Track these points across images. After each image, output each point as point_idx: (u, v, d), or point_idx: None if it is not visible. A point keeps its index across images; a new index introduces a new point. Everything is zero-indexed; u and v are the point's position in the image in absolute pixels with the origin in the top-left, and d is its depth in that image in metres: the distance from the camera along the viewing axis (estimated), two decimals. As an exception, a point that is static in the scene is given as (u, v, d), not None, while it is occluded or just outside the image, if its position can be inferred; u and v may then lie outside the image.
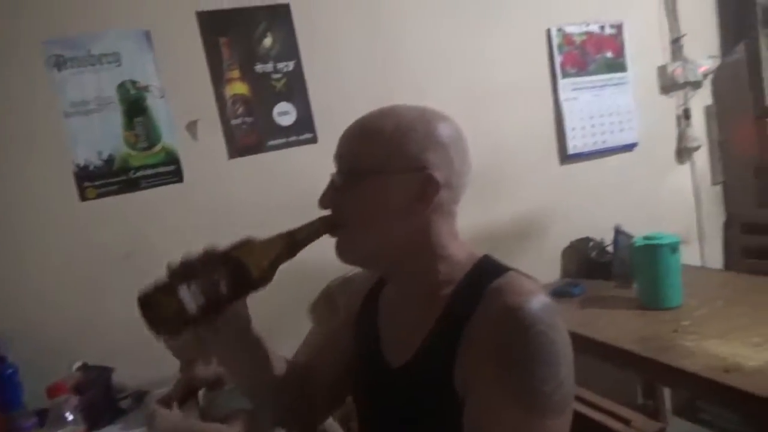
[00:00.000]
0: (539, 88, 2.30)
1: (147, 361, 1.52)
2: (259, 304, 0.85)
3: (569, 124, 2.31)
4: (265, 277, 0.75)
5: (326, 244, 0.80)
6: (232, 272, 0.73)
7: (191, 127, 1.78)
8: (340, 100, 1.92)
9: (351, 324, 0.98)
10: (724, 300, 1.79)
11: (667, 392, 2.47)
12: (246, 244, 0.75)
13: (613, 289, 2.08)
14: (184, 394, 1.43)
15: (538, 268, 2.28)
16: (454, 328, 0.74)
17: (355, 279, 1.28)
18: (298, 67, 1.89)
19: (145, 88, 1.73)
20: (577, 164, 2.37)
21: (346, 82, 1.95)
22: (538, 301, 0.69)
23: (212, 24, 1.78)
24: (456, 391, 0.72)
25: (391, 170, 0.78)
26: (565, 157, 2.34)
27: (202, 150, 1.79)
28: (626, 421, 0.73)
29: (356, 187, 0.79)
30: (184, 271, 0.72)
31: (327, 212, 0.81)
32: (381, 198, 0.78)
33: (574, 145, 2.33)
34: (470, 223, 2.09)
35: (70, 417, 1.33)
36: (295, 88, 1.89)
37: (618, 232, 2.23)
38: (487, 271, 0.77)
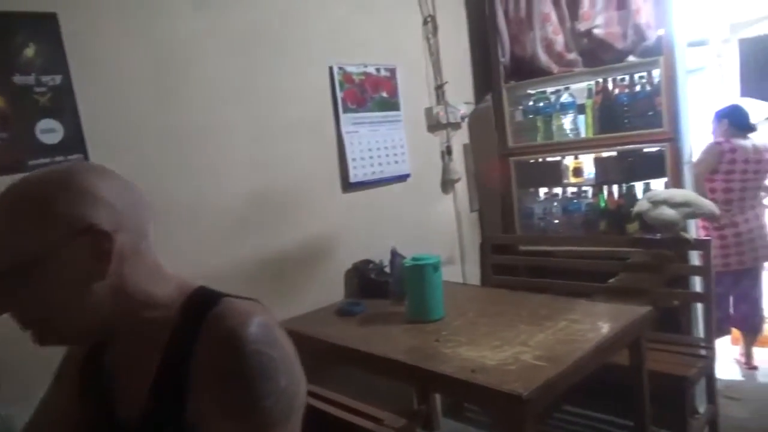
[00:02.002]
0: (324, 122, 2.44)
1: None
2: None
3: (350, 155, 2.49)
4: None
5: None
6: None
7: (-75, 141, 1.52)
8: (116, 119, 1.80)
9: (74, 383, 0.88)
10: (475, 311, 2.09)
11: (439, 397, 2.77)
12: None
13: (390, 306, 2.25)
14: None
15: (324, 289, 2.41)
16: (180, 367, 0.73)
17: None
18: (67, 81, 1.73)
19: None
20: (358, 192, 2.56)
21: (123, 103, 1.83)
22: (254, 322, 0.72)
23: (-43, 26, 1.56)
24: (192, 427, 0.72)
25: (51, 248, 0.70)
26: (348, 185, 2.50)
27: (-59, 168, 1.55)
28: (379, 420, 0.84)
29: (26, 284, 0.70)
30: None
31: None
32: (56, 281, 0.71)
33: (355, 174, 2.51)
34: (261, 250, 2.16)
35: None
36: (63, 104, 1.73)
37: (394, 254, 2.46)
38: (202, 303, 0.77)
